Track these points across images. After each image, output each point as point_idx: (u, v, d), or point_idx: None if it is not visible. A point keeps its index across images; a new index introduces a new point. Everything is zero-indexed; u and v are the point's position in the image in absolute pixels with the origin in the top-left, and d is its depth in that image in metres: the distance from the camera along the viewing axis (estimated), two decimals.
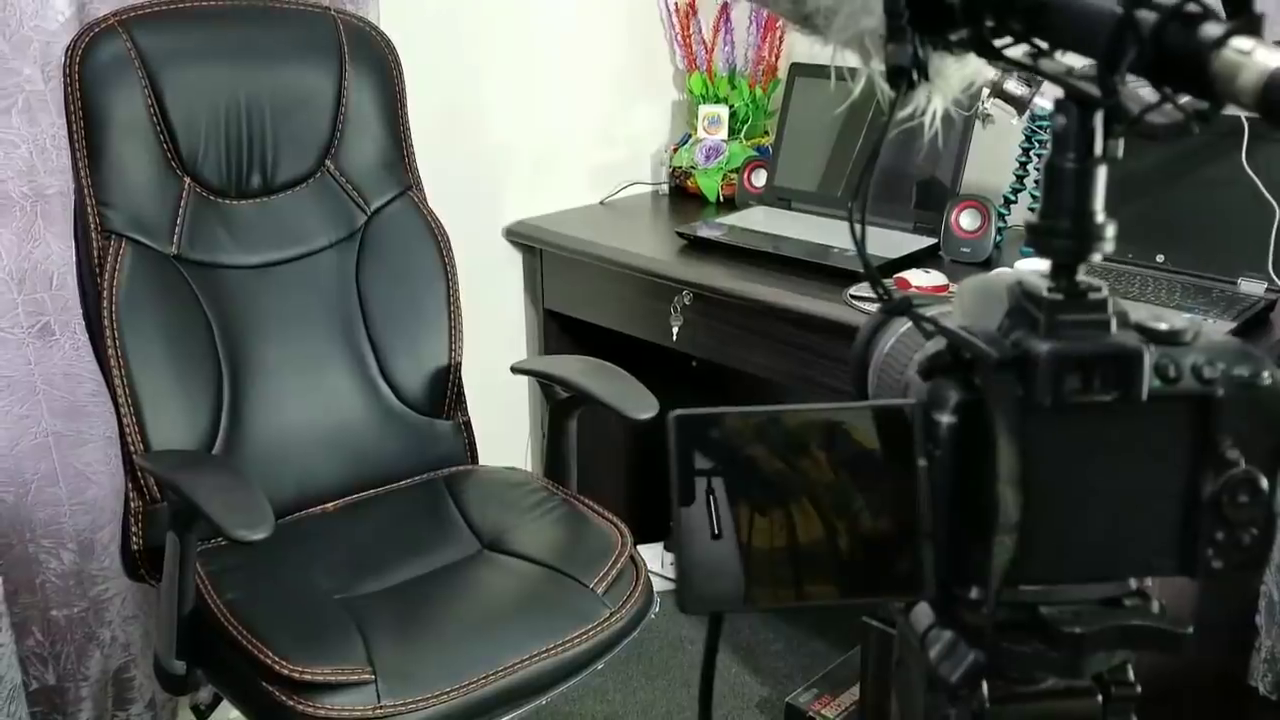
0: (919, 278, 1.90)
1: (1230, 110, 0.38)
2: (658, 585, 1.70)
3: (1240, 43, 0.37)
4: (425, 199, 1.89)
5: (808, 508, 0.43)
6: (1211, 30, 0.37)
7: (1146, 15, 0.38)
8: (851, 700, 2.15)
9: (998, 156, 2.14)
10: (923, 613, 0.47)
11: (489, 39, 2.27)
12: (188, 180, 1.70)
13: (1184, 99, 0.39)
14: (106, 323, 1.56)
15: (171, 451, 1.59)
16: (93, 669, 1.95)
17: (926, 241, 2.09)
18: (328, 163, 1.81)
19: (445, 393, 1.87)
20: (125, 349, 1.58)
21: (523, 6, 2.31)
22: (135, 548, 1.61)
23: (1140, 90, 0.39)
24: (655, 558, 2.57)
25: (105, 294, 1.57)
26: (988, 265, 2.02)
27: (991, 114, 2.13)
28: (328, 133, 1.81)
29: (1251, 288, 1.82)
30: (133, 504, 1.61)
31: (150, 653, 1.97)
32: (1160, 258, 1.92)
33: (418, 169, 1.89)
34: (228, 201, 1.75)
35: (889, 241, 2.08)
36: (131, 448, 1.58)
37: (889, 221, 2.16)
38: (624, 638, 1.58)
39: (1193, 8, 0.38)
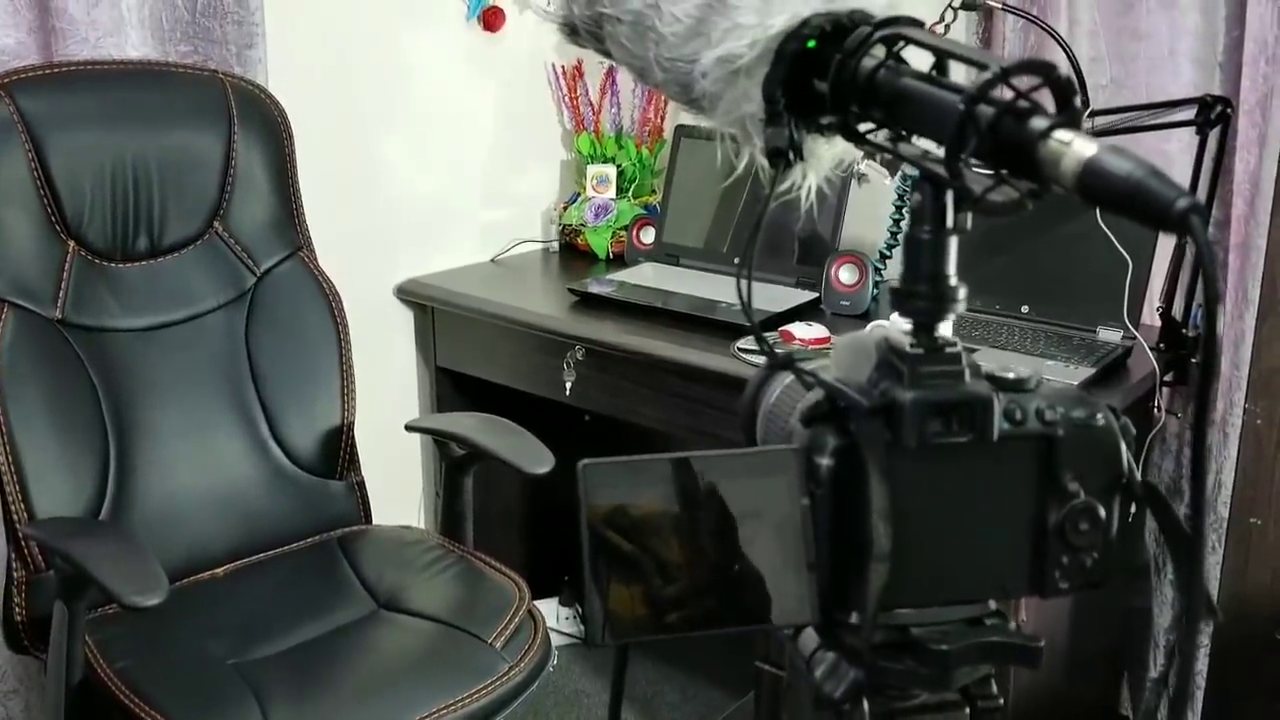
0: (802, 330, 1.98)
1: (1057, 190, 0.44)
2: (555, 640, 1.72)
3: (1062, 135, 0.43)
4: (316, 259, 1.90)
5: (705, 544, 0.48)
6: (1039, 123, 0.43)
7: (985, 109, 0.44)
8: None
9: (873, 213, 2.24)
10: (809, 637, 0.52)
11: (379, 100, 2.30)
12: (72, 244, 1.69)
13: (1018, 180, 0.45)
14: None
15: (59, 519, 1.57)
16: None
17: (808, 295, 2.18)
18: (216, 224, 1.82)
19: (338, 453, 1.87)
20: (7, 416, 1.55)
21: (413, 68, 2.35)
22: (19, 619, 1.57)
23: (981, 173, 0.46)
24: (552, 613, 2.59)
25: None
26: (866, 317, 2.11)
27: (867, 174, 2.25)
28: (216, 194, 1.81)
29: (1109, 336, 1.93)
30: (16, 574, 1.57)
31: None
32: (1025, 308, 2.03)
33: (308, 229, 1.90)
34: (114, 264, 1.74)
35: (773, 295, 2.16)
36: (15, 517, 1.55)
37: (772, 276, 2.24)
38: (523, 691, 1.59)
39: (1023, 104, 0.44)
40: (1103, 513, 0.50)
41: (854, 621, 0.49)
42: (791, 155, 0.52)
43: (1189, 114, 1.87)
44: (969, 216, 0.50)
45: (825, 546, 0.48)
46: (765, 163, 0.53)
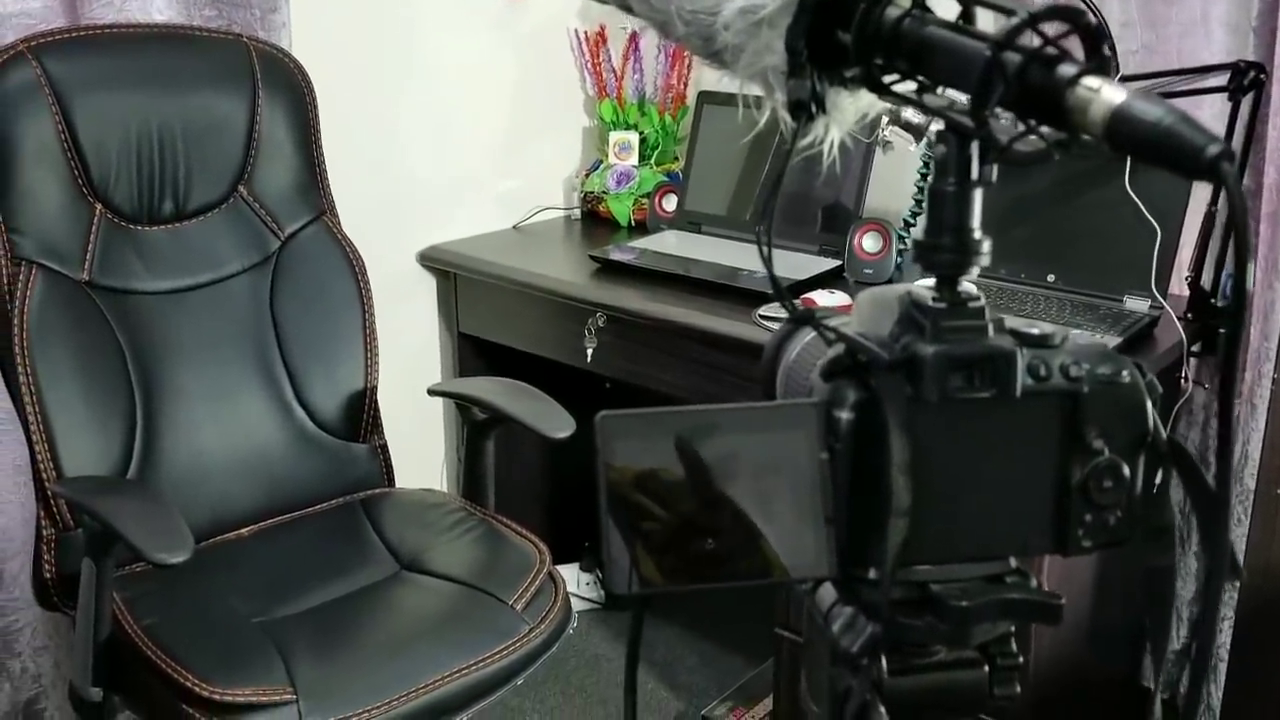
0: (824, 298, 1.97)
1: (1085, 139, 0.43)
2: (575, 605, 1.73)
3: (1091, 81, 0.42)
4: (339, 224, 1.90)
5: (722, 498, 0.47)
6: (1067, 70, 0.42)
7: (1012, 57, 0.43)
8: (765, 712, 2.20)
9: (898, 181, 2.22)
10: (827, 593, 0.51)
11: (403, 65, 2.30)
12: (99, 206, 1.70)
13: (1045, 130, 0.44)
14: (17, 349, 1.55)
15: (87, 477, 1.58)
16: (2, 701, 1.91)
17: (831, 263, 2.16)
18: (241, 188, 1.82)
19: (361, 416, 1.88)
20: (36, 376, 1.56)
21: (436, 33, 2.34)
22: (48, 576, 1.59)
23: (1008, 123, 0.45)
24: (572, 578, 2.60)
25: (15, 321, 1.56)
26: (890, 285, 2.09)
27: (891, 141, 2.23)
28: (240, 158, 1.81)
29: (1136, 305, 1.91)
30: (45, 532, 1.59)
31: (62, 683, 1.94)
32: (1051, 277, 2.01)
33: (331, 194, 1.90)
34: (140, 227, 1.74)
35: (795, 264, 2.15)
36: (44, 475, 1.56)
37: (795, 244, 2.23)
38: (543, 653, 1.60)
39: (1051, 51, 0.43)
40: (1127, 471, 0.49)
41: (872, 577, 0.49)
42: (814, 108, 0.52)
43: (1221, 80, 1.84)
44: (994, 168, 0.49)
45: (844, 501, 0.48)
46: (787, 116, 0.53)
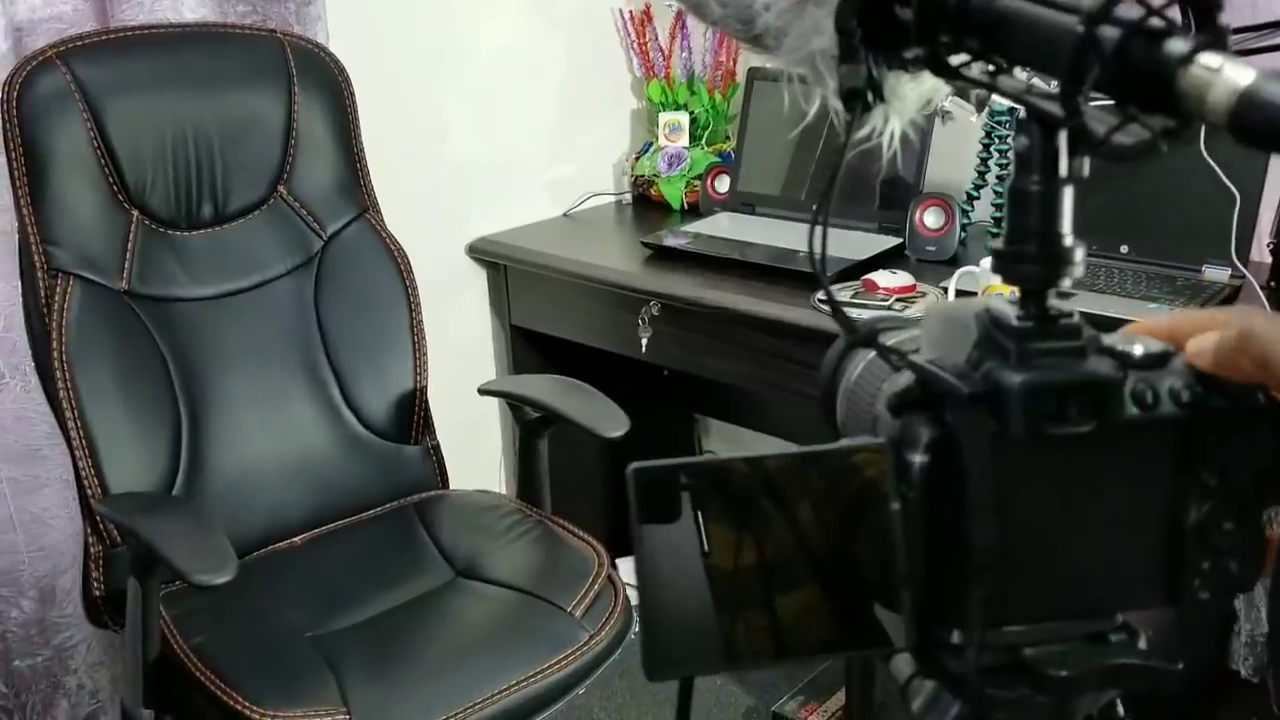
0: (886, 278, 1.89)
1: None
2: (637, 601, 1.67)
3: (1208, 59, 0.35)
4: (383, 220, 1.86)
5: (780, 558, 0.41)
6: (1177, 46, 0.35)
7: (1109, 32, 0.36)
8: (838, 706, 2.14)
9: (959, 153, 2.13)
10: (903, 661, 0.45)
11: (443, 53, 2.24)
12: (136, 213, 1.67)
13: (1151, 117, 0.37)
14: (57, 364, 1.52)
15: (129, 495, 1.55)
16: (60, 718, 1.90)
17: (892, 241, 2.08)
18: (280, 189, 1.78)
19: (412, 417, 1.84)
20: (78, 390, 1.54)
21: (476, 21, 2.28)
22: (97, 594, 1.57)
23: (1103, 109, 0.38)
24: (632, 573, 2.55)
25: (54, 334, 1.53)
26: (953, 263, 2.01)
27: (950, 111, 2.13)
28: (279, 158, 1.77)
29: (1216, 274, 1.82)
30: (92, 549, 1.57)
31: (119, 698, 1.93)
32: (1124, 248, 1.92)
33: (374, 190, 1.86)
34: (178, 233, 1.71)
35: (854, 243, 2.07)
36: (89, 492, 1.54)
37: (853, 222, 2.15)
38: (605, 660, 1.55)
39: (1156, 23, 0.36)
40: (1250, 510, 0.42)
41: (956, 642, 0.42)
42: (870, 96, 0.45)
43: None
44: (1086, 161, 0.42)
45: (920, 556, 0.41)
46: (840, 106, 0.46)
